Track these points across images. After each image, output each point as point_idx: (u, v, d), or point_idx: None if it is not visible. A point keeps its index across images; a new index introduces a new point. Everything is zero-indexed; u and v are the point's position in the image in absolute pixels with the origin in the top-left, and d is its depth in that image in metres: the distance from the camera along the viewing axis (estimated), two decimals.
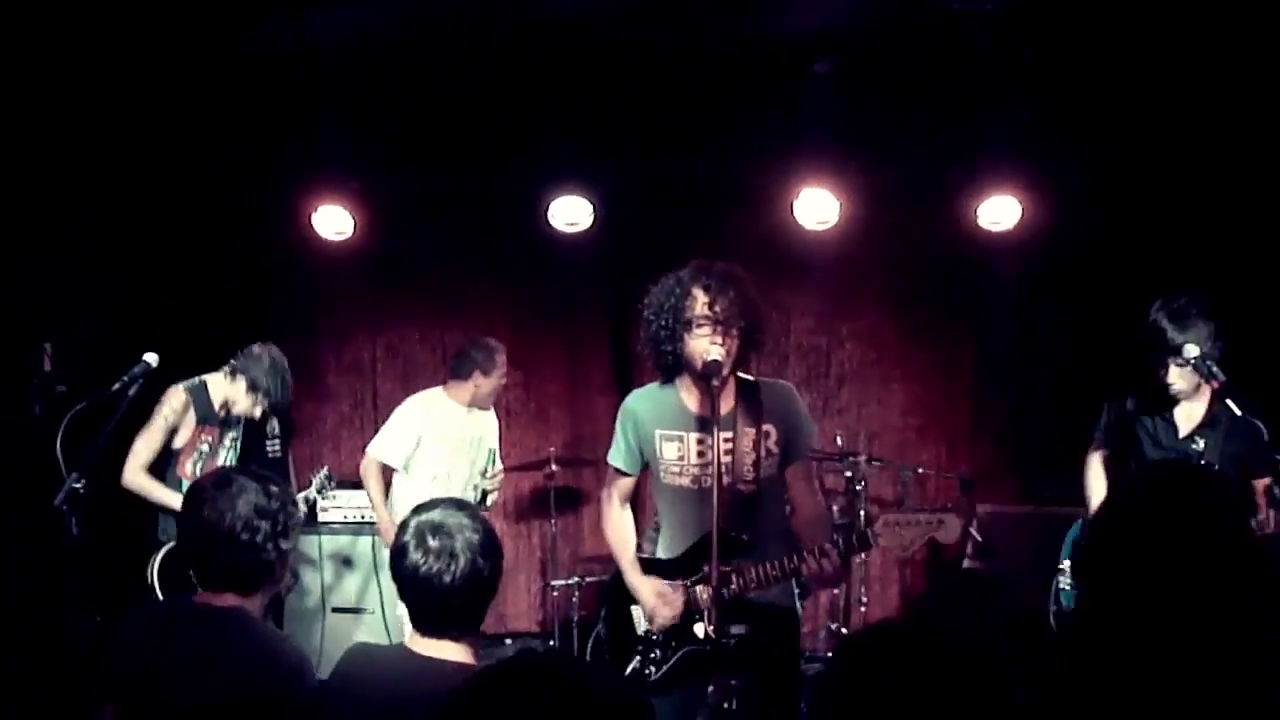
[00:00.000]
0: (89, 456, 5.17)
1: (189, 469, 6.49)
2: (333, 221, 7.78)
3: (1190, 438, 5.58)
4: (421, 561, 3.16)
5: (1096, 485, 5.93)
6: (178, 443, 6.47)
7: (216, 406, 6.53)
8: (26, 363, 6.63)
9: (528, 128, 7.52)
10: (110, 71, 6.51)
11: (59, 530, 4.88)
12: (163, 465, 6.46)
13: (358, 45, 6.74)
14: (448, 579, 3.15)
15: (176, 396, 6.40)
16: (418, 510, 3.29)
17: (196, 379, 6.51)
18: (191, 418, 6.46)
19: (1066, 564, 5.92)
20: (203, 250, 7.95)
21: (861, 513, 7.59)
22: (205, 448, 6.54)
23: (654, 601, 4.70)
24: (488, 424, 7.46)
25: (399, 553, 3.22)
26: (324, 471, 7.23)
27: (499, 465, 7.45)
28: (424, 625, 3.25)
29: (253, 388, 6.48)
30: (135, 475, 6.34)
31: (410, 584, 3.21)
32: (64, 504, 4.87)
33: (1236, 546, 2.36)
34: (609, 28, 6.66)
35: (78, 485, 4.91)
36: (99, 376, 5.94)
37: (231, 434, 6.64)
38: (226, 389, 6.53)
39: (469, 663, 3.23)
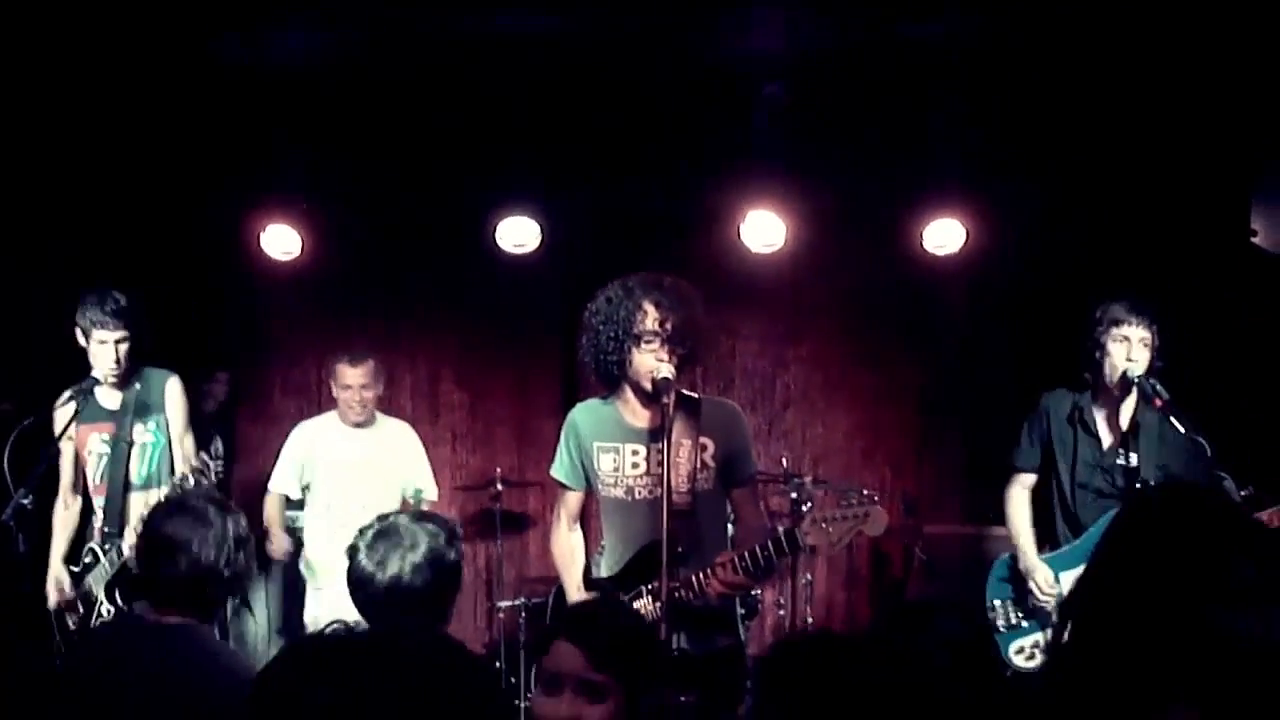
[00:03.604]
0: (36, 473, 5.17)
1: (93, 478, 6.03)
2: (281, 241, 7.70)
3: (1116, 450, 5.45)
4: (368, 565, 3.33)
5: (1020, 518, 5.78)
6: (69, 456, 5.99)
7: (99, 400, 5.91)
8: None
9: (476, 149, 7.56)
10: (60, 85, 6.47)
11: (6, 545, 4.87)
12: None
13: (308, 66, 6.74)
14: (380, 581, 3.31)
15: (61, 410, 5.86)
16: (381, 517, 3.46)
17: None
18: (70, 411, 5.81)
19: (998, 604, 5.73)
20: (149, 268, 7.87)
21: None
22: (106, 449, 5.94)
23: None
24: (389, 446, 7.14)
25: (351, 551, 3.39)
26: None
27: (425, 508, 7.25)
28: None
29: (83, 333, 5.80)
30: None
31: (354, 582, 3.37)
32: (11, 519, 4.87)
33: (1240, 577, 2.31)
34: (557, 50, 6.70)
35: (25, 501, 4.90)
36: (45, 393, 5.94)
37: (126, 428, 5.94)
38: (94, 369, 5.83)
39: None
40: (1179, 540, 2.32)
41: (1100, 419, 5.54)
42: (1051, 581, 5.49)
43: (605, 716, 2.92)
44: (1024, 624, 5.61)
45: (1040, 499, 5.81)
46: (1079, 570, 5.18)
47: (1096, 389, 5.55)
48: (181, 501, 3.65)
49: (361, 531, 3.39)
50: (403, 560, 3.29)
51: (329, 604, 6.80)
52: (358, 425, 7.02)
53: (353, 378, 6.91)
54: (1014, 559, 5.72)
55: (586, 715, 2.90)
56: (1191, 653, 2.21)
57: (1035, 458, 5.75)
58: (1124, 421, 5.50)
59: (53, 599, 5.84)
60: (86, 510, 6.07)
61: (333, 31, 6.49)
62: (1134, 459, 5.36)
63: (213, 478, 5.83)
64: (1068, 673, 2.41)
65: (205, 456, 5.77)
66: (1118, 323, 5.32)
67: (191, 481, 5.47)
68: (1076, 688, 2.34)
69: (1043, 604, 5.51)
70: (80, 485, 6.06)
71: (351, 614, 3.39)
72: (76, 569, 5.89)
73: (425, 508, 6.94)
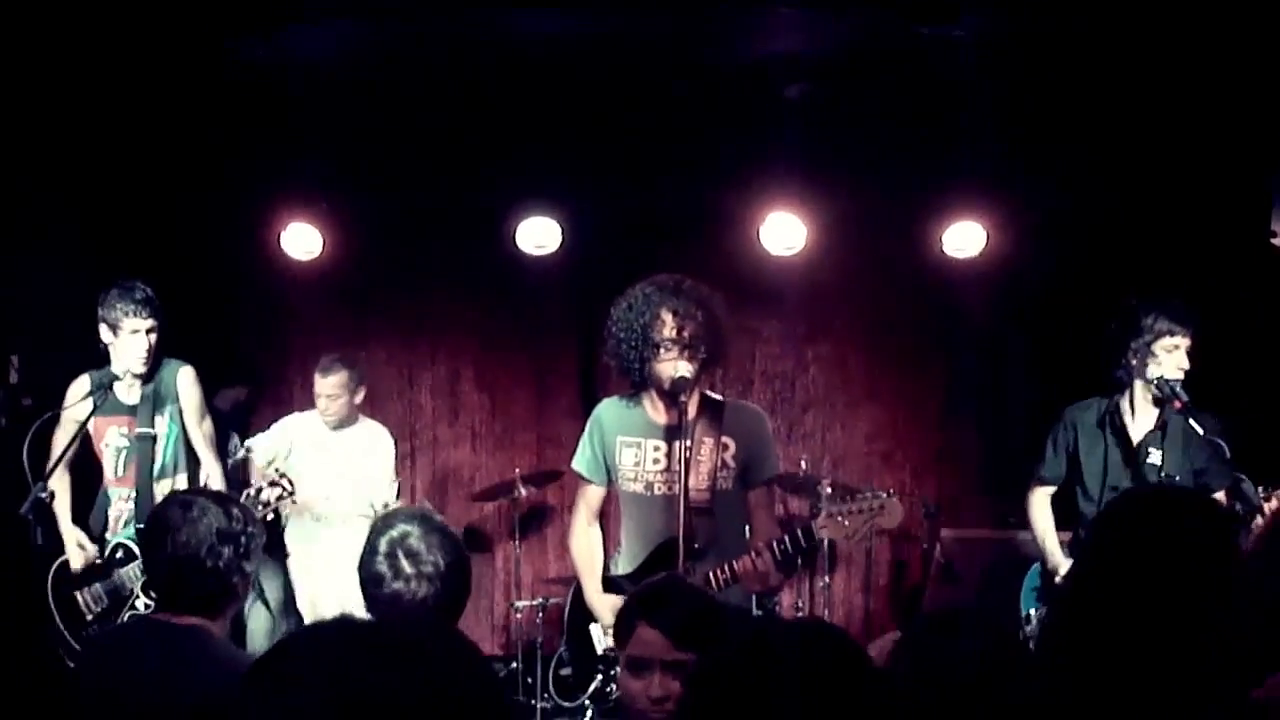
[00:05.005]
0: (54, 467, 5.19)
1: (112, 470, 6.01)
2: (302, 240, 7.72)
3: (1145, 449, 5.46)
4: (397, 584, 3.17)
5: (1045, 520, 5.80)
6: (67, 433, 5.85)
7: (117, 393, 5.90)
8: None
9: (496, 149, 7.56)
10: (81, 83, 6.49)
11: (24, 538, 4.90)
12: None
13: (328, 65, 6.76)
14: (420, 600, 3.17)
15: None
16: (386, 525, 3.27)
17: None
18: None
19: (1033, 614, 5.70)
20: (170, 266, 7.87)
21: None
22: (125, 443, 5.97)
23: (612, 618, 4.70)
24: (361, 448, 7.18)
25: (373, 578, 3.21)
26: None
27: (398, 502, 7.22)
28: None
29: (111, 328, 5.81)
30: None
31: (384, 605, 3.21)
32: (29, 513, 4.89)
33: (1220, 572, 2.34)
34: (579, 51, 6.70)
35: (43, 495, 4.93)
36: (64, 389, 5.95)
37: (149, 423, 5.97)
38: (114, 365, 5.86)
39: None
40: (1164, 539, 2.36)
41: (1131, 420, 5.53)
42: None
43: None
44: None
45: (1062, 512, 5.80)
46: None
47: (1130, 391, 5.53)
48: (177, 494, 3.62)
49: (373, 544, 3.23)
50: (418, 577, 3.16)
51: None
52: (336, 428, 7.17)
53: (321, 387, 7.09)
54: (1044, 567, 5.68)
55: (676, 692, 3.03)
56: (1177, 644, 2.25)
57: (1060, 469, 5.74)
58: (1152, 421, 5.50)
59: (77, 562, 5.70)
60: (96, 499, 6.04)
61: (354, 31, 6.50)
62: (1159, 457, 5.37)
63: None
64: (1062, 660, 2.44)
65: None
66: (1171, 332, 5.30)
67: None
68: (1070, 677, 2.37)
69: None
70: (70, 466, 5.90)
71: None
72: (101, 561, 5.83)
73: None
